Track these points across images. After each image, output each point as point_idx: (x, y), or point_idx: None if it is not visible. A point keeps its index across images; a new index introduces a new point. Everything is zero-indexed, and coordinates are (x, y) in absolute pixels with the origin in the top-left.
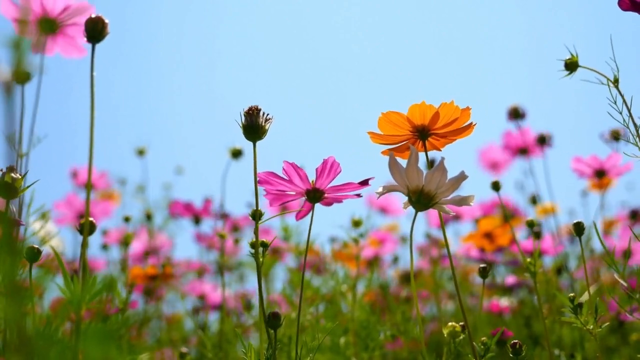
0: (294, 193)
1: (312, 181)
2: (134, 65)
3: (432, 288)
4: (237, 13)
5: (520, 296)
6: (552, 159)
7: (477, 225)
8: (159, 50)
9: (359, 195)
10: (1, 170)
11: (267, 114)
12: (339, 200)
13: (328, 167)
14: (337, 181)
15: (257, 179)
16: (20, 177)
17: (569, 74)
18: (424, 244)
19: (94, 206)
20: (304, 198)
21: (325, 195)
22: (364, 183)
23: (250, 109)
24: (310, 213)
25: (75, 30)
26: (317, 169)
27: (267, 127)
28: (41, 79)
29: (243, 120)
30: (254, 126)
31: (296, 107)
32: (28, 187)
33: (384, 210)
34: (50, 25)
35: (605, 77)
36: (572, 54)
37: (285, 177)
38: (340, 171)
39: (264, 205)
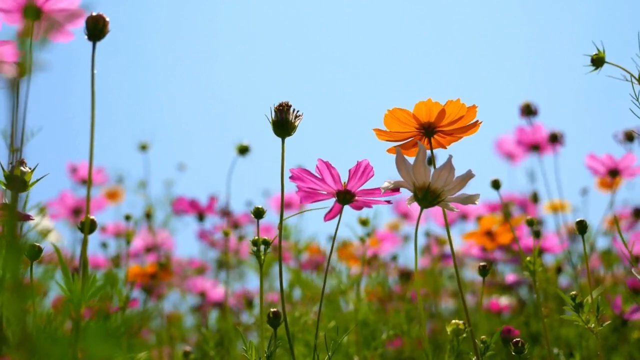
0: (325, 193)
1: (344, 183)
2: (134, 60)
3: (432, 286)
4: (241, 7)
5: (521, 294)
6: (551, 158)
7: (478, 223)
8: (160, 46)
9: (389, 202)
10: (11, 164)
11: (297, 111)
12: (368, 205)
13: (361, 170)
14: (368, 185)
15: (290, 174)
16: (30, 170)
17: (595, 69)
18: (425, 242)
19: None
20: (334, 199)
21: (356, 198)
22: (395, 190)
23: (280, 104)
24: (339, 215)
25: (61, 15)
26: (349, 171)
27: (296, 124)
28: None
29: (273, 116)
30: (284, 122)
31: (299, 105)
32: (37, 181)
33: (406, 216)
34: (35, 12)
35: (630, 73)
36: (598, 50)
37: (318, 175)
38: (372, 175)
39: (266, 204)
